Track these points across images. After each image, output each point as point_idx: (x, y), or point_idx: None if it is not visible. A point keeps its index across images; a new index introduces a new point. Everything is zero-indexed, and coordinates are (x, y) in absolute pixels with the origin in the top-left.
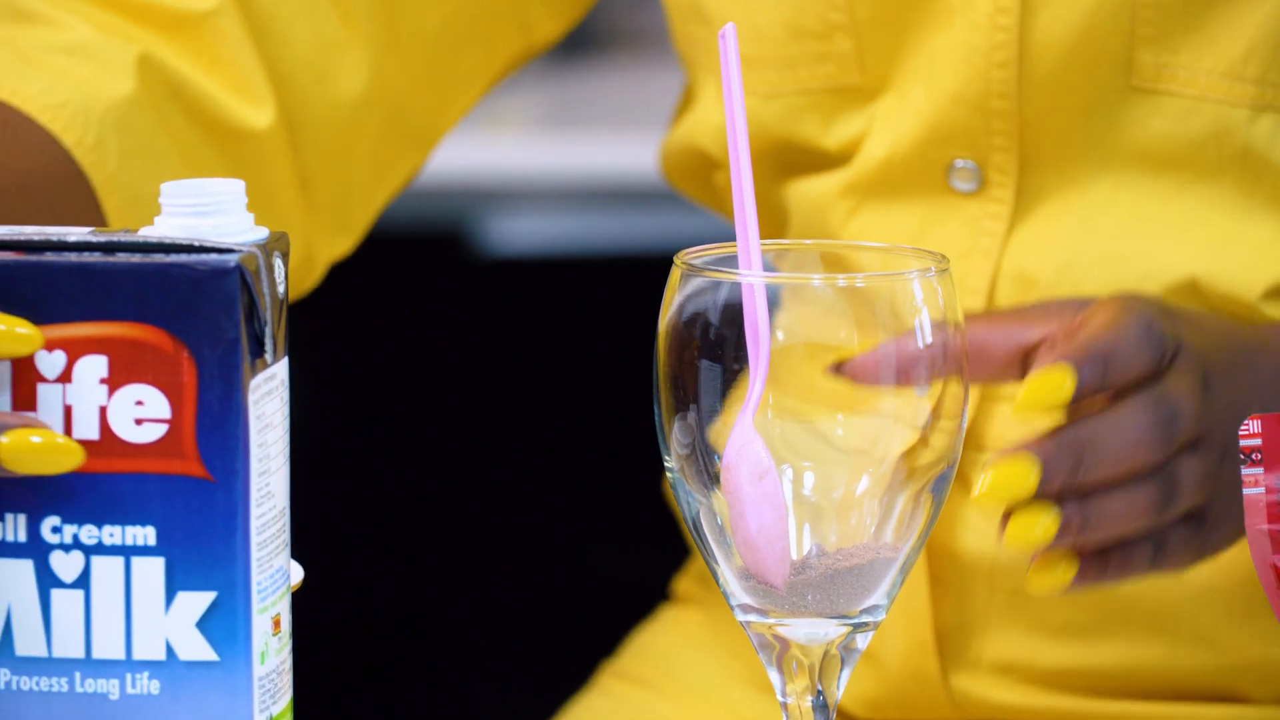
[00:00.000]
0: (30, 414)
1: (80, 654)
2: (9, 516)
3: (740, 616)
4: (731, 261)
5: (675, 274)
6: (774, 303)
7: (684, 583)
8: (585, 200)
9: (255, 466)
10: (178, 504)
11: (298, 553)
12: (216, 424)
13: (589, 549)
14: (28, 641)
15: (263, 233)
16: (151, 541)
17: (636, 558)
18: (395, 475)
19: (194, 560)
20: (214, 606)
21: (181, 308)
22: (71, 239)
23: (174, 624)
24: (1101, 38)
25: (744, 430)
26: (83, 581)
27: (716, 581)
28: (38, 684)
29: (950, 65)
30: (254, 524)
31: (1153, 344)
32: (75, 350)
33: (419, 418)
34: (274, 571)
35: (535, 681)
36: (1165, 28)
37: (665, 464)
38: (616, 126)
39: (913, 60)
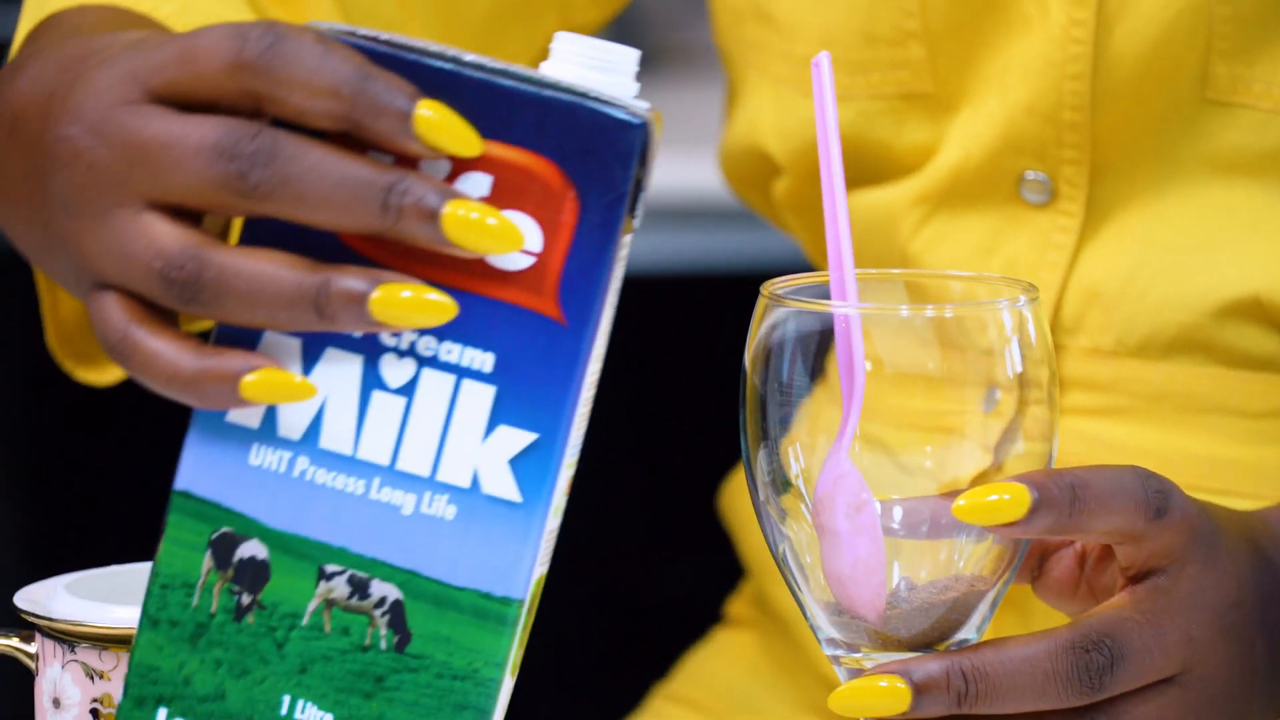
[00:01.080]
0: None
1: (385, 461)
2: None
3: (828, 651)
4: (817, 291)
5: (761, 304)
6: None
7: (738, 605)
8: (653, 219)
9: (604, 321)
10: (524, 338)
11: None
12: (583, 270)
13: (643, 569)
14: (335, 437)
15: (645, 104)
16: (487, 369)
17: (691, 579)
18: None
19: (525, 397)
20: (531, 448)
21: (579, 149)
22: (468, 58)
23: (488, 455)
24: (1177, 50)
25: (840, 462)
26: (407, 390)
27: (804, 615)
28: (333, 480)
29: (1024, 76)
30: (587, 378)
31: (1147, 493)
32: (461, 162)
33: None
34: (582, 433)
35: (588, 703)
36: (1241, 41)
37: (751, 495)
38: (666, 144)
39: (986, 70)
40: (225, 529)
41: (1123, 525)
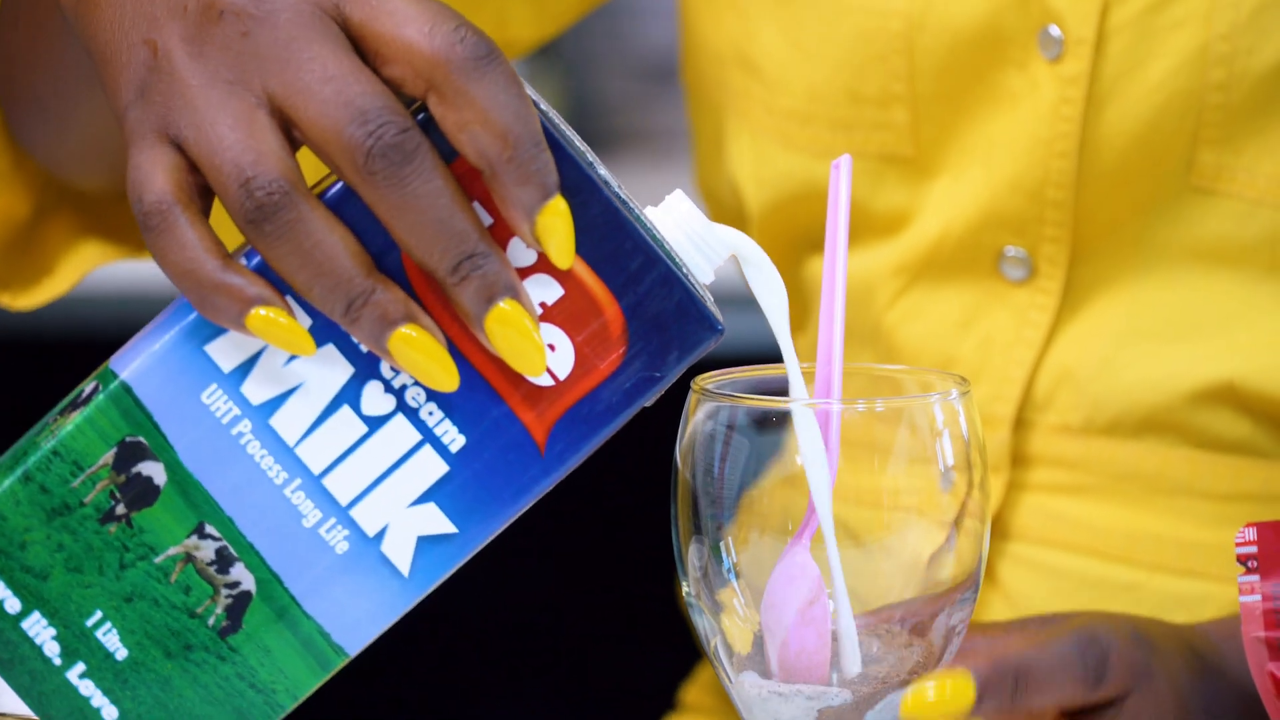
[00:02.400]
0: None
1: (316, 470)
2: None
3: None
4: (747, 385)
5: (692, 399)
6: (791, 426)
7: (693, 692)
8: None
9: (576, 464)
10: (501, 444)
11: None
12: (588, 419)
13: (596, 655)
14: (287, 423)
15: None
16: (453, 449)
17: (644, 665)
18: None
19: (467, 495)
20: (445, 538)
21: (654, 318)
22: (601, 171)
23: (405, 520)
24: (1165, 135)
25: (799, 555)
26: (374, 423)
27: (733, 702)
28: (262, 459)
29: (1009, 150)
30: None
31: (1086, 665)
32: (546, 260)
33: None
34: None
35: None
36: (1230, 129)
37: (683, 587)
38: None
39: (969, 140)
40: (141, 439)
41: (1064, 699)
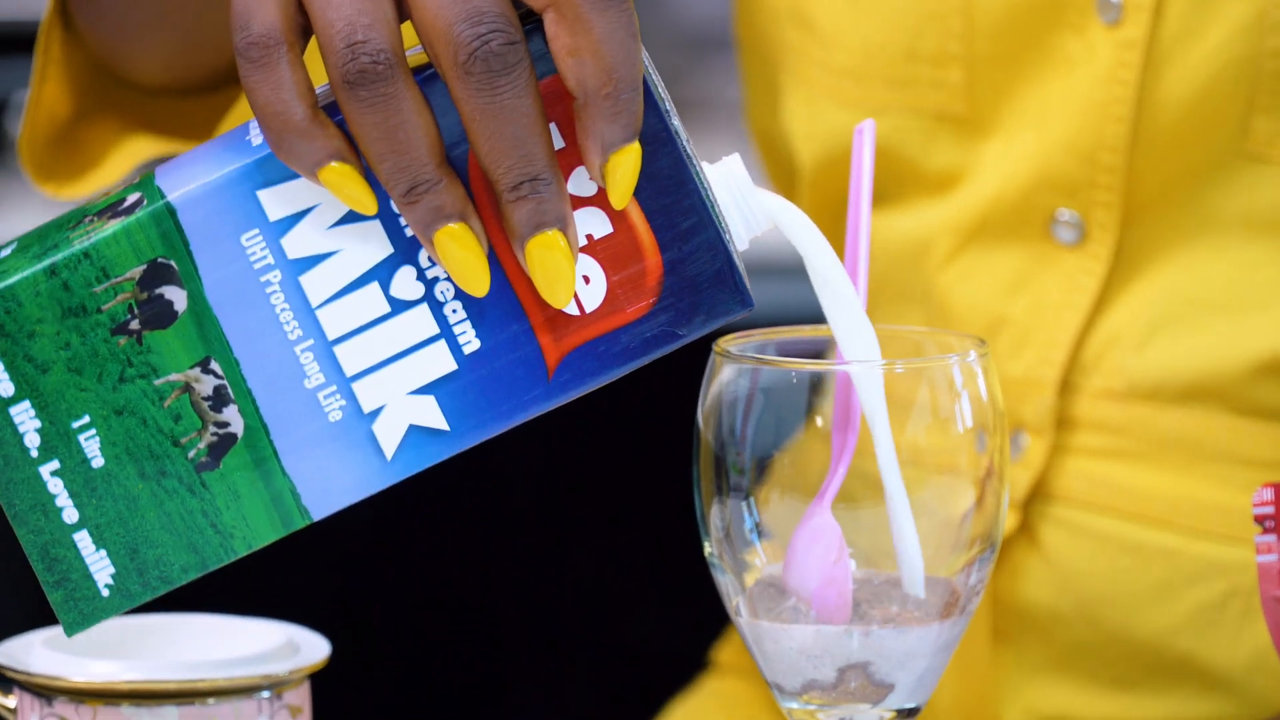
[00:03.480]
0: None
1: (331, 336)
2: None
3: (782, 703)
4: (769, 348)
5: (716, 361)
6: (816, 388)
7: (726, 652)
8: None
9: (580, 395)
10: (512, 359)
11: (324, 626)
12: (601, 358)
13: (629, 615)
14: (316, 284)
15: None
16: (466, 350)
17: (676, 625)
18: (428, 543)
19: (468, 398)
20: (434, 434)
21: (691, 278)
22: (675, 121)
23: (402, 406)
24: (1220, 101)
25: (821, 514)
26: (397, 306)
27: (756, 663)
28: (282, 311)
29: (1064, 113)
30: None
31: None
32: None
33: (453, 484)
34: None
35: None
36: None
37: (705, 547)
38: None
39: (1023, 102)
40: (173, 263)
41: None
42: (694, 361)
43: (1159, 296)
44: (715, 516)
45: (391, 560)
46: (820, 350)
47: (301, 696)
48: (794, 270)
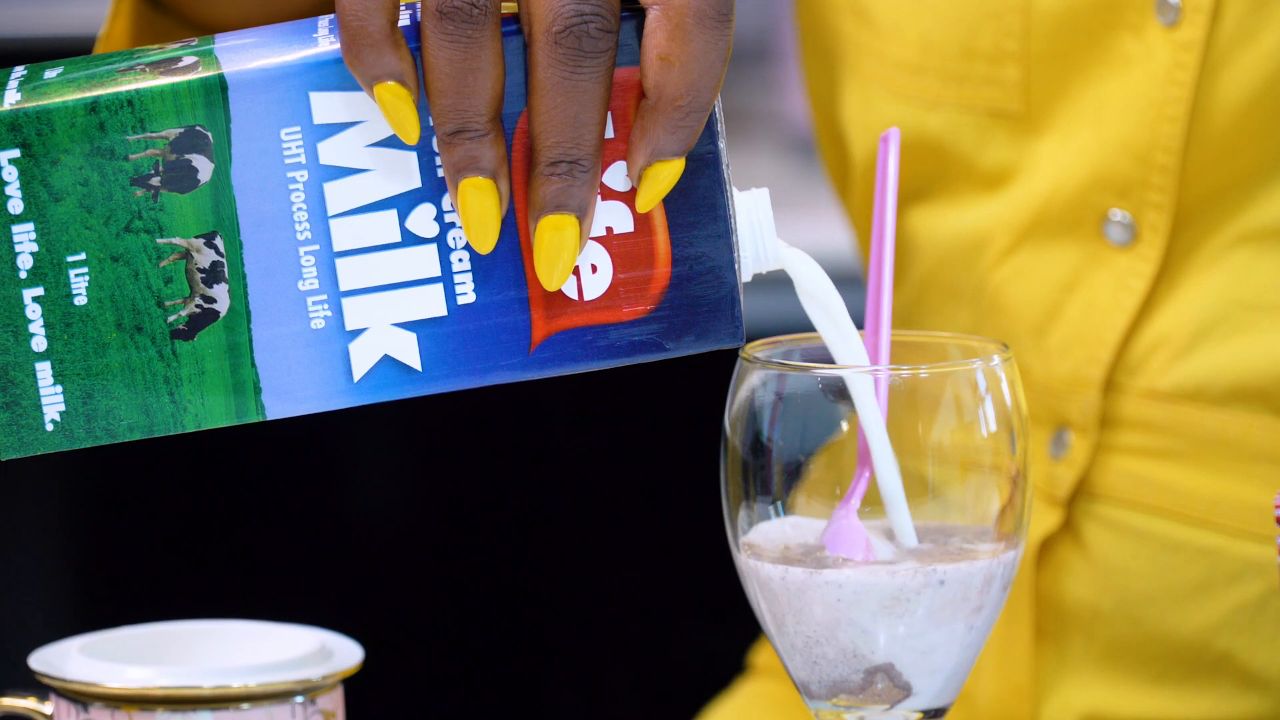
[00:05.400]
0: None
1: (338, 248)
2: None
3: (810, 705)
4: (795, 353)
5: (743, 367)
6: (843, 393)
7: (762, 655)
8: None
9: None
10: (501, 324)
11: (357, 631)
12: (585, 350)
13: (663, 620)
14: (340, 195)
15: None
16: (460, 301)
17: (712, 628)
18: (463, 549)
19: (447, 349)
20: (402, 370)
21: (693, 293)
22: (719, 127)
23: (382, 334)
24: (1274, 104)
25: (848, 517)
26: (409, 239)
27: (784, 666)
28: (298, 210)
29: (1121, 112)
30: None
31: None
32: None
33: (492, 487)
34: None
35: None
36: None
37: (733, 554)
38: None
39: (1079, 100)
40: (209, 134)
41: None
42: (723, 367)
43: (1206, 299)
44: (743, 521)
45: (424, 566)
46: None
47: (335, 702)
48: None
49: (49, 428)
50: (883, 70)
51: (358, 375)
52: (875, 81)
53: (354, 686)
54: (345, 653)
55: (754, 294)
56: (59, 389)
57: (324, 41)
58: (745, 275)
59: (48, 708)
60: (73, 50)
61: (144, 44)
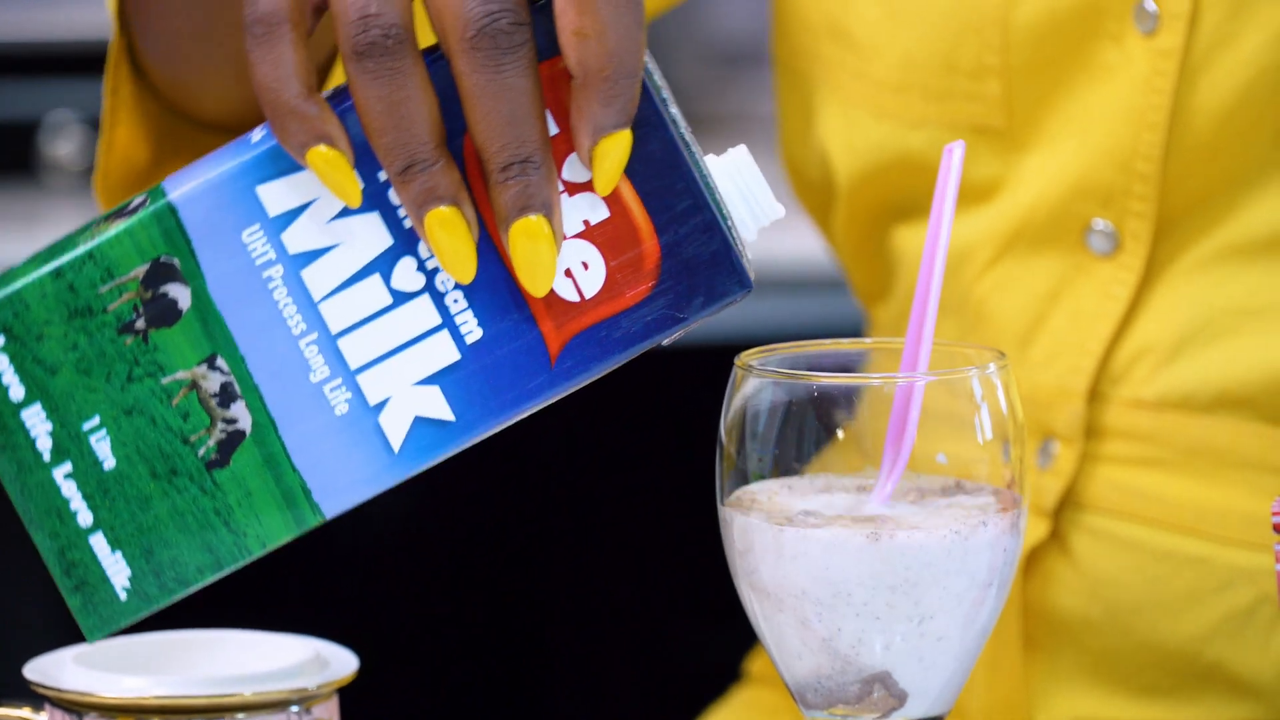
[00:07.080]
0: None
1: (334, 329)
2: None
3: (806, 714)
4: (789, 361)
5: (738, 375)
6: (842, 402)
7: (758, 662)
8: None
9: (587, 381)
10: (516, 348)
11: (352, 640)
12: (603, 343)
13: (658, 628)
14: (318, 278)
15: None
16: (469, 340)
17: (708, 636)
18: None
19: (473, 388)
20: (440, 424)
21: (688, 260)
22: (673, 110)
23: (407, 397)
24: (1256, 110)
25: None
26: (400, 298)
27: (780, 675)
28: (285, 306)
29: (1102, 121)
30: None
31: None
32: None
33: (488, 496)
34: None
35: None
36: None
37: (729, 563)
38: None
39: (1060, 112)
40: (175, 261)
41: None
42: (722, 373)
43: (1190, 306)
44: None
45: (420, 574)
46: (843, 364)
47: (330, 711)
48: (815, 285)
49: (123, 597)
50: (865, 90)
51: (396, 446)
52: (857, 102)
53: (349, 696)
54: (340, 662)
55: (750, 301)
56: (119, 555)
57: (258, 138)
58: (749, 232)
59: (42, 717)
60: (73, 49)
61: (159, 147)
